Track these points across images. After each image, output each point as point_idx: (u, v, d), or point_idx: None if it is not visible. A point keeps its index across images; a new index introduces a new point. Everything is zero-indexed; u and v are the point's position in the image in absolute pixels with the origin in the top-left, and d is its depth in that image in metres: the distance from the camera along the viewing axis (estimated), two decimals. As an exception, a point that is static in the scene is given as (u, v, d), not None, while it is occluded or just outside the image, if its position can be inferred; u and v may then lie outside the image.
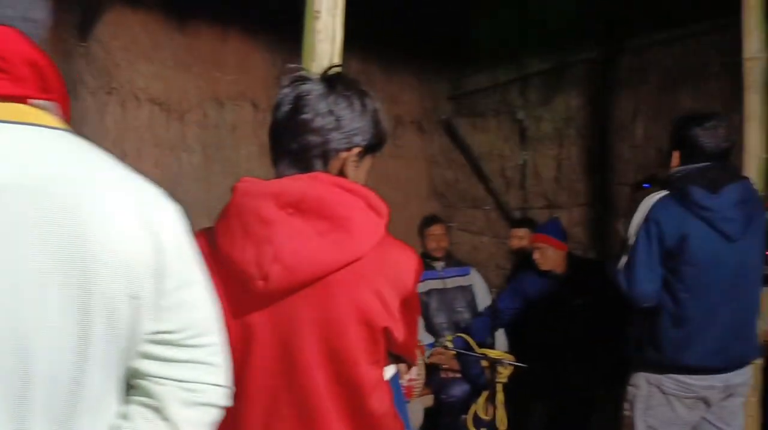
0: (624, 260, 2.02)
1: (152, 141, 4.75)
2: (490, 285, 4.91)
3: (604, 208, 4.84)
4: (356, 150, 1.02)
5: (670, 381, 1.98)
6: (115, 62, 4.57)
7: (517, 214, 5.36)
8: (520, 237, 3.75)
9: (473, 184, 6.09)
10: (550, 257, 2.98)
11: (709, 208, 1.93)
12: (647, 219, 1.99)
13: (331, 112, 0.98)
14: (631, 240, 2.02)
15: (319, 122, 0.97)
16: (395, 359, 1.09)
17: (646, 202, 2.04)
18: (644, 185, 2.77)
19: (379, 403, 0.95)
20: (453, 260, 3.61)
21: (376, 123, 1.04)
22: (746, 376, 2.04)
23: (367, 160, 1.07)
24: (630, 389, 2.11)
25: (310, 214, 0.90)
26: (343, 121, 0.98)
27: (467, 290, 3.44)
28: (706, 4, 3.96)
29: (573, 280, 3.03)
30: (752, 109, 2.26)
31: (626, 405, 2.13)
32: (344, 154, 1.00)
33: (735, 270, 1.96)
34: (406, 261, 0.99)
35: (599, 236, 4.84)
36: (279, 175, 1.00)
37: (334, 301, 0.90)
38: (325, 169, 0.99)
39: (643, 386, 2.05)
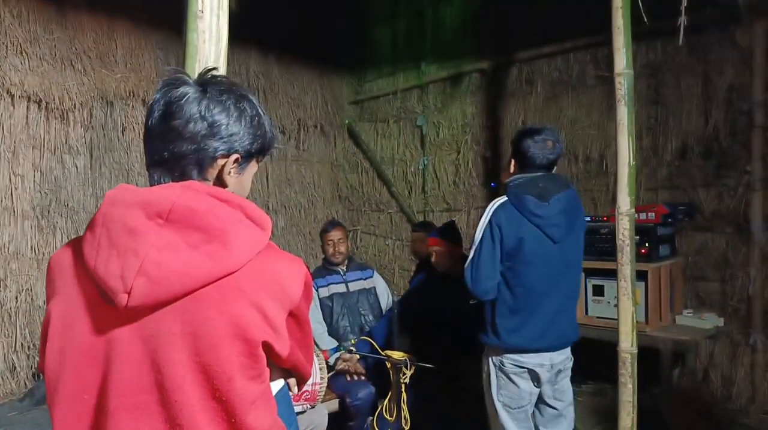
0: (470, 258, 2.28)
1: (30, 142, 4.36)
2: (394, 287, 5.01)
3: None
4: (234, 157, 0.96)
5: (507, 361, 2.28)
6: (-17, 55, 4.16)
7: (419, 217, 5.51)
8: (421, 240, 3.86)
9: (377, 188, 6.18)
10: (445, 259, 3.07)
11: (540, 215, 2.21)
12: (490, 222, 2.24)
13: (203, 118, 0.93)
14: (476, 241, 2.27)
15: (191, 128, 0.92)
16: (285, 372, 1.05)
17: (489, 206, 2.29)
18: (492, 185, 3.08)
19: (258, 420, 0.90)
20: (354, 264, 3.62)
21: (255, 128, 0.99)
22: (567, 354, 2.38)
23: (251, 167, 1.03)
24: (483, 375, 2.39)
25: (180, 224, 0.85)
26: (217, 127, 0.93)
27: (370, 293, 3.46)
28: (583, 23, 4.30)
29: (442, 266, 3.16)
30: (622, 120, 2.46)
31: (486, 392, 2.40)
32: (221, 161, 0.95)
33: (559, 267, 2.27)
34: (291, 273, 0.94)
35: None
36: (152, 184, 0.94)
37: (205, 315, 0.84)
38: (202, 176, 0.94)
39: (491, 369, 2.33)
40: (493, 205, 2.28)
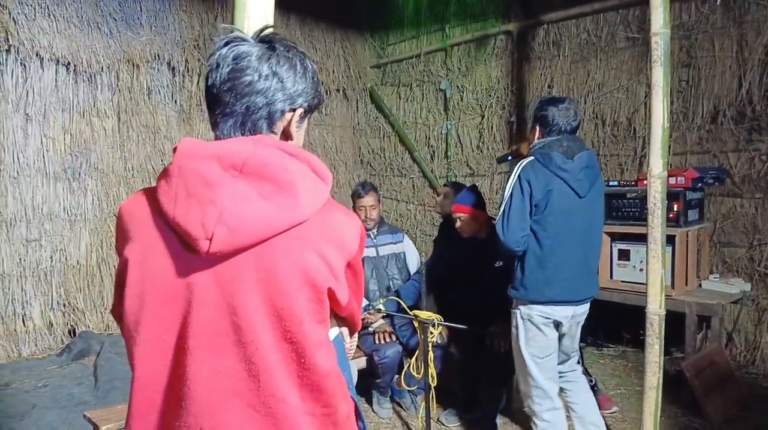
0: (500, 213, 2.41)
1: (59, 105, 4.42)
2: (417, 251, 5.05)
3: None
4: (299, 111, 1.00)
5: (535, 312, 2.40)
6: (12, 17, 4.18)
7: (441, 182, 5.51)
8: (446, 194, 3.84)
9: (399, 153, 6.17)
10: (469, 225, 3.10)
11: (566, 170, 2.35)
12: (519, 178, 2.37)
13: (275, 74, 0.96)
14: (506, 197, 2.40)
15: (263, 84, 0.96)
16: (340, 321, 1.13)
17: (517, 166, 2.42)
18: (508, 158, 3.10)
19: (324, 361, 0.97)
20: (385, 227, 3.57)
21: (316, 84, 1.04)
22: (586, 308, 2.52)
23: (306, 122, 1.08)
24: (512, 329, 2.51)
25: (253, 176, 0.89)
26: (286, 83, 0.97)
27: (399, 257, 3.49)
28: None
29: (493, 242, 3.18)
30: (657, 81, 2.42)
31: (514, 345, 2.53)
32: (288, 116, 0.99)
33: (583, 221, 2.40)
34: (350, 226, 1.00)
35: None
36: (220, 138, 0.97)
37: (278, 262, 0.90)
38: (271, 130, 0.99)
39: (520, 322, 2.46)
40: (520, 165, 2.42)
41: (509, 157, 3.13)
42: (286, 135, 1.02)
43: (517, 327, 2.48)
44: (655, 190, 2.39)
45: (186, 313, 0.91)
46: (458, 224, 3.15)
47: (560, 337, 2.50)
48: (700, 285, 3.65)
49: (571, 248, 2.38)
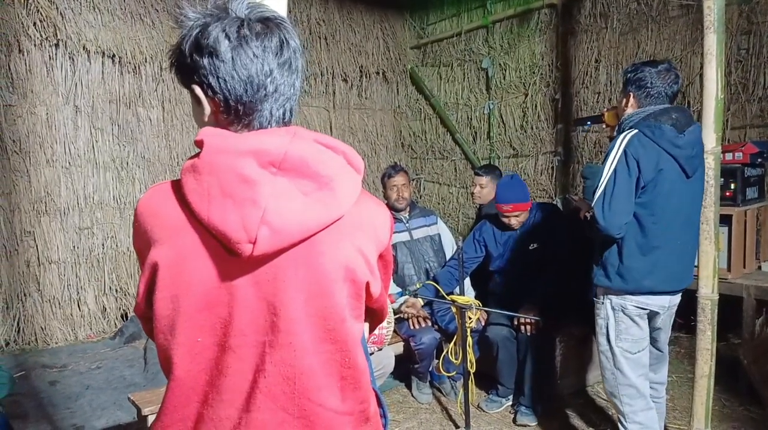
0: (599, 193, 2.07)
1: (106, 96, 4.56)
2: (458, 234, 4.98)
3: (568, 155, 4.90)
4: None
5: (631, 303, 2.13)
6: (60, 12, 4.32)
7: (484, 163, 5.38)
8: (482, 185, 3.78)
9: (440, 135, 6.07)
10: (523, 218, 3.05)
11: (680, 146, 2.04)
12: (625, 153, 2.04)
13: (299, 51, 0.93)
14: (607, 175, 2.06)
15: (299, 62, 0.93)
16: (367, 314, 1.09)
17: (620, 139, 2.09)
18: (588, 124, 2.81)
19: (362, 357, 0.95)
20: (417, 210, 3.51)
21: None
22: (680, 296, 2.25)
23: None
24: (600, 322, 2.22)
25: (293, 173, 0.85)
26: (301, 56, 0.94)
27: (434, 240, 3.43)
28: (668, -55, 3.93)
29: (531, 225, 3.10)
30: (711, 50, 2.25)
31: (601, 339, 2.23)
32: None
33: (689, 204, 2.12)
34: (381, 216, 0.97)
35: (563, 183, 4.93)
36: (260, 121, 0.90)
37: (320, 260, 0.87)
38: (294, 108, 0.95)
39: (610, 314, 2.18)
40: (624, 137, 2.08)
41: (588, 123, 2.85)
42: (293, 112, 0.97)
43: (606, 318, 2.18)
44: (708, 167, 2.23)
45: (227, 315, 0.88)
46: (513, 221, 3.05)
47: (653, 330, 2.23)
48: (760, 267, 3.43)
49: (674, 234, 2.10)
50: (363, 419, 0.98)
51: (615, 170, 2.05)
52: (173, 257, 0.88)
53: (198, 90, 0.91)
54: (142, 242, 0.92)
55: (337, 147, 0.91)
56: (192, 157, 0.88)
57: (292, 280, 0.87)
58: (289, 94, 0.92)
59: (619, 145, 2.06)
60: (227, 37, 0.87)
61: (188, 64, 0.90)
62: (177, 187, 0.90)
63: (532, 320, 2.87)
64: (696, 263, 2.24)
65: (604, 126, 2.47)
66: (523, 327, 2.92)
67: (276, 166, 0.85)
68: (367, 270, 0.92)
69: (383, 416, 1.10)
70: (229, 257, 0.85)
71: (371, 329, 1.22)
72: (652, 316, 2.18)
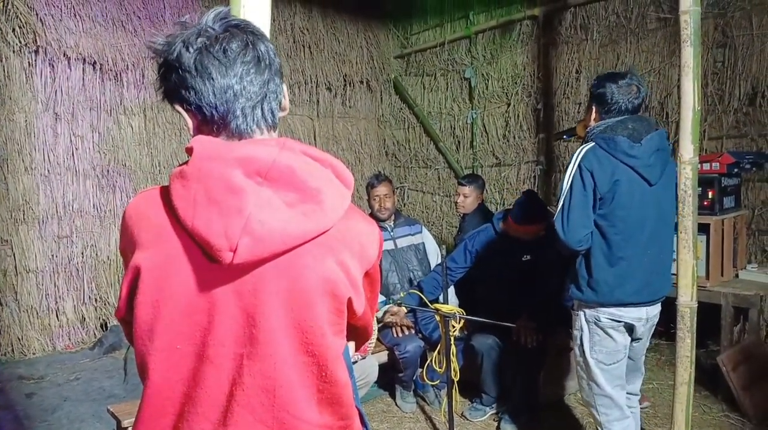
0: (559, 207, 2.12)
1: (87, 103, 4.50)
2: (442, 243, 4.99)
3: (550, 164, 4.96)
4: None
5: (604, 315, 2.14)
6: (40, 18, 4.27)
7: (467, 172, 5.42)
8: (466, 194, 3.81)
9: (424, 144, 6.10)
10: (530, 237, 3.03)
11: (635, 155, 2.06)
12: (580, 167, 2.08)
13: (273, 52, 0.94)
14: (564, 189, 2.11)
15: (276, 64, 0.95)
16: (351, 332, 1.06)
17: (576, 154, 2.13)
18: (565, 137, 2.85)
19: (342, 372, 0.94)
20: (402, 219, 3.52)
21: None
22: (659, 308, 2.25)
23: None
24: (575, 333, 2.25)
25: (278, 184, 0.85)
26: (276, 57, 0.95)
27: (419, 249, 3.44)
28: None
29: (521, 237, 3.10)
30: (687, 62, 2.30)
31: (576, 350, 2.27)
32: (283, 87, 0.97)
33: (656, 212, 2.12)
34: (370, 235, 0.97)
35: (545, 192, 4.98)
36: (244, 128, 0.91)
37: (301, 272, 0.87)
38: (280, 107, 0.95)
39: (584, 326, 2.20)
40: (580, 151, 2.12)
41: (565, 136, 2.88)
42: (283, 109, 0.99)
43: (581, 330, 2.21)
44: (686, 177, 2.26)
45: (206, 324, 0.87)
46: (530, 237, 3.02)
47: (631, 340, 2.23)
48: (737, 275, 3.49)
49: (643, 244, 2.10)
50: None
51: (571, 185, 2.09)
52: (156, 262, 0.88)
53: (178, 107, 0.93)
54: (127, 245, 0.93)
55: (325, 160, 0.91)
56: (181, 164, 0.89)
57: (273, 291, 0.86)
58: (261, 93, 0.91)
59: (575, 160, 2.12)
60: (187, 47, 0.89)
61: (166, 84, 0.92)
62: (165, 193, 0.90)
63: (533, 332, 2.88)
64: (674, 272, 2.26)
65: (576, 137, 2.51)
66: (523, 338, 2.91)
67: (262, 176, 0.84)
68: (349, 286, 0.91)
69: None
70: (211, 265, 0.85)
71: (357, 347, 1.21)
72: (629, 328, 2.18)
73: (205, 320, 0.87)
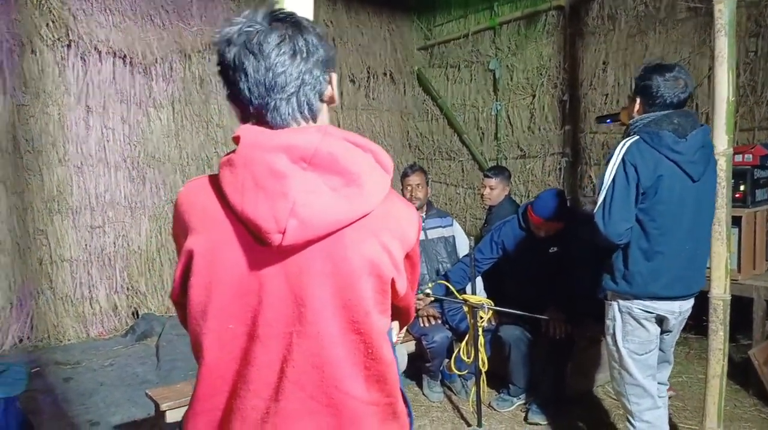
0: (599, 201, 2.10)
1: (117, 96, 4.59)
2: (467, 235, 4.99)
3: (576, 156, 4.93)
4: (333, 71, 1.00)
5: (637, 307, 2.15)
6: (72, 13, 4.36)
7: (491, 164, 5.41)
8: (492, 187, 3.80)
9: (447, 136, 6.09)
10: (551, 232, 3.03)
11: (679, 151, 2.04)
12: (623, 161, 2.06)
13: (321, 39, 0.96)
14: (606, 182, 2.09)
15: (317, 55, 0.95)
16: (395, 313, 1.10)
17: (619, 147, 2.10)
18: (608, 121, 2.81)
19: (388, 351, 0.97)
20: (434, 211, 3.54)
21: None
22: (692, 301, 2.23)
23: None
24: (608, 322, 2.25)
25: (322, 169, 0.89)
26: (323, 46, 0.96)
27: (449, 241, 3.44)
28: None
29: (542, 231, 3.10)
30: (722, 52, 2.27)
31: (608, 339, 2.27)
32: (328, 78, 0.98)
33: (695, 208, 2.11)
34: (409, 217, 1.00)
35: (571, 184, 4.95)
36: (278, 120, 0.94)
37: (345, 254, 0.91)
38: (321, 99, 0.97)
39: (617, 316, 2.21)
40: (623, 144, 2.10)
41: (608, 120, 2.84)
42: (330, 101, 1.01)
43: (613, 320, 2.22)
44: (720, 169, 2.26)
45: (256, 304, 0.92)
46: (541, 232, 3.05)
47: (662, 333, 2.23)
48: (770, 269, 3.45)
49: (680, 239, 2.09)
50: (390, 412, 1.01)
51: (614, 178, 2.07)
52: (207, 246, 0.93)
53: (228, 98, 0.98)
54: (180, 230, 0.98)
55: (366, 146, 0.95)
56: (229, 153, 0.93)
57: (319, 272, 0.90)
58: (295, 85, 0.93)
59: (618, 153, 2.09)
60: (229, 44, 0.93)
61: (221, 78, 0.97)
62: (214, 180, 0.95)
63: (562, 323, 2.89)
64: (708, 265, 2.25)
65: (620, 123, 2.49)
66: (551, 330, 2.92)
67: (306, 161, 0.88)
68: (392, 267, 0.95)
69: (409, 414, 1.13)
70: (260, 248, 0.90)
71: (400, 328, 1.25)
72: (661, 319, 2.19)
73: (255, 300, 0.92)
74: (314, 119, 0.98)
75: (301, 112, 0.95)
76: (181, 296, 0.99)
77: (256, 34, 0.92)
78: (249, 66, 0.92)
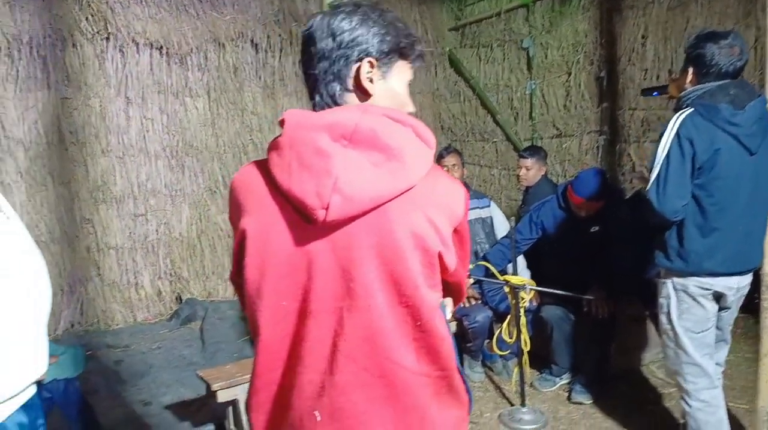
0: (653, 177, 2.04)
1: (155, 87, 4.68)
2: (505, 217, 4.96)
3: (614, 134, 4.83)
4: (367, 60, 0.98)
5: (693, 284, 2.09)
6: (110, 6, 4.44)
7: (526, 145, 5.33)
8: (528, 167, 3.76)
9: (480, 117, 6.03)
10: (591, 212, 2.99)
11: (737, 124, 1.96)
12: (678, 135, 1.99)
13: (330, 34, 0.98)
14: (660, 157, 2.02)
15: (323, 46, 0.98)
16: (444, 290, 1.11)
17: (673, 120, 2.03)
18: (654, 94, 2.73)
19: (441, 325, 0.98)
20: (471, 192, 3.54)
21: (381, 27, 0.99)
22: (750, 278, 2.17)
23: (397, 71, 1.04)
24: (661, 301, 2.20)
25: (363, 145, 0.91)
26: (340, 37, 0.97)
27: (486, 222, 3.43)
28: None
29: (582, 211, 3.06)
30: (773, 21, 2.20)
31: (662, 318, 2.22)
32: (354, 68, 0.98)
33: (753, 182, 2.03)
34: (456, 191, 1.01)
35: (609, 162, 4.86)
36: (318, 106, 1.01)
37: (391, 228, 0.92)
38: (344, 88, 0.99)
39: (672, 294, 2.15)
40: (677, 118, 2.01)
41: (655, 93, 2.78)
42: (362, 90, 1.01)
43: (668, 298, 2.16)
44: (771, 142, 2.19)
45: (307, 280, 0.95)
46: (582, 212, 3.02)
47: (720, 310, 2.18)
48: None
49: (736, 215, 2.02)
50: (444, 385, 1.02)
51: (668, 153, 2.00)
52: (259, 227, 0.97)
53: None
54: (235, 212, 1.03)
55: (405, 121, 0.96)
56: (276, 137, 0.97)
57: (365, 246, 0.93)
58: (323, 76, 1.00)
59: (672, 127, 2.01)
60: (300, 40, 1.05)
61: None
62: (264, 164, 0.99)
63: (605, 302, 2.87)
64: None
65: (668, 96, 2.40)
66: (594, 309, 2.90)
67: (347, 138, 0.91)
68: (438, 241, 0.96)
69: (467, 391, 1.14)
70: (307, 226, 0.93)
71: (454, 304, 1.25)
72: (718, 296, 2.13)
73: (305, 277, 0.95)
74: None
75: (332, 99, 1.00)
76: (237, 275, 1.03)
77: (309, 29, 1.02)
78: (305, 61, 1.03)
